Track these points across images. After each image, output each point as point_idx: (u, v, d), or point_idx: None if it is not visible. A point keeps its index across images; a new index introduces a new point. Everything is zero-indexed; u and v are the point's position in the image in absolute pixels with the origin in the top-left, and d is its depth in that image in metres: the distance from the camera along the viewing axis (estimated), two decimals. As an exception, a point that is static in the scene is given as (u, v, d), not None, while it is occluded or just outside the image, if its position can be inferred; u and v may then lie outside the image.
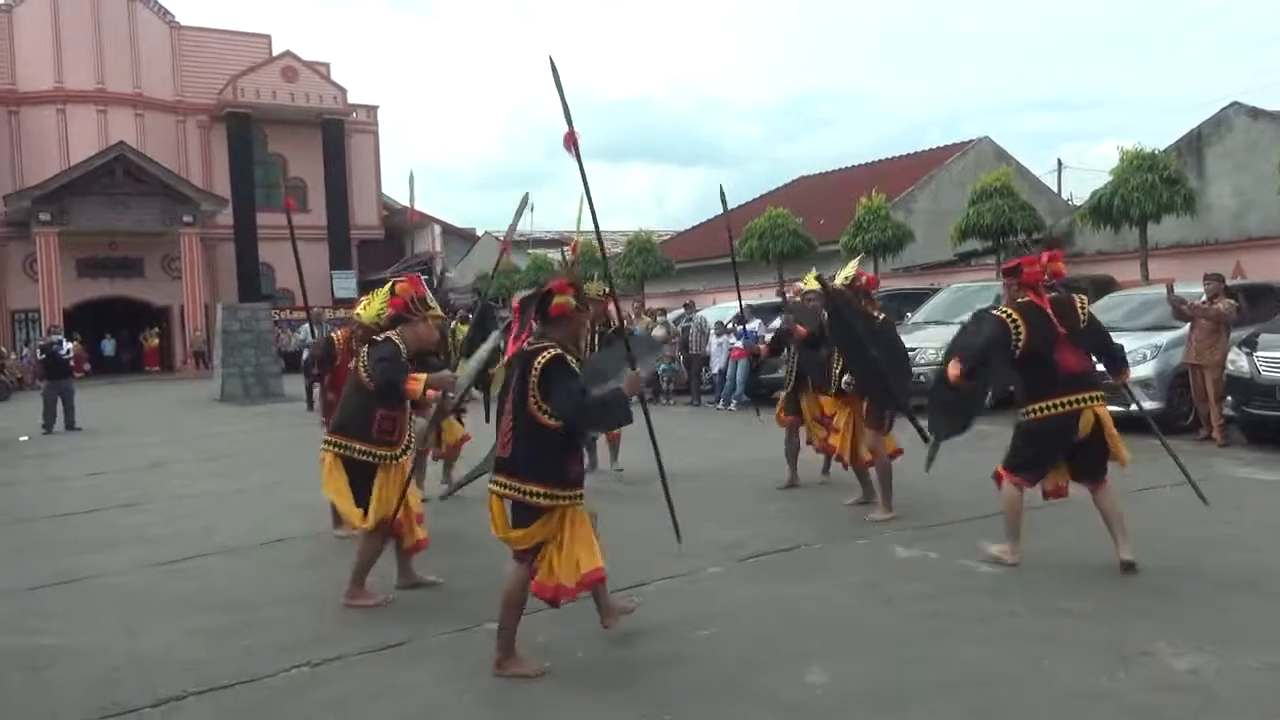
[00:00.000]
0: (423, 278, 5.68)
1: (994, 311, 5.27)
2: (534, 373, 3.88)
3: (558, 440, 3.96)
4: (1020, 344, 5.06)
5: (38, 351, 17.75)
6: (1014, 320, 5.11)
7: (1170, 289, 9.72)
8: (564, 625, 4.70)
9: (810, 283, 7.68)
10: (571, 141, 4.24)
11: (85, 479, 10.27)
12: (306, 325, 18.77)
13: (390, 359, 4.97)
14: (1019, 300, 5.22)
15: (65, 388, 15.50)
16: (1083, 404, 5.09)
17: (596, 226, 4.57)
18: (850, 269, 7.18)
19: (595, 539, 4.11)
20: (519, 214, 6.07)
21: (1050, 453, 5.24)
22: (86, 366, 29.24)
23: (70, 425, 15.25)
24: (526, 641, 4.49)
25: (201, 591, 5.61)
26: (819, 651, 4.21)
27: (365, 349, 5.10)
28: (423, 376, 4.93)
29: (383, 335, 5.14)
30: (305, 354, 17.68)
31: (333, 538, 6.58)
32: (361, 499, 5.04)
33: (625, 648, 4.38)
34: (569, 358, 3.93)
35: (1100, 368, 5.53)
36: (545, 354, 3.88)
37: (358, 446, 5.03)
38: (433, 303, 5.39)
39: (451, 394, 5.28)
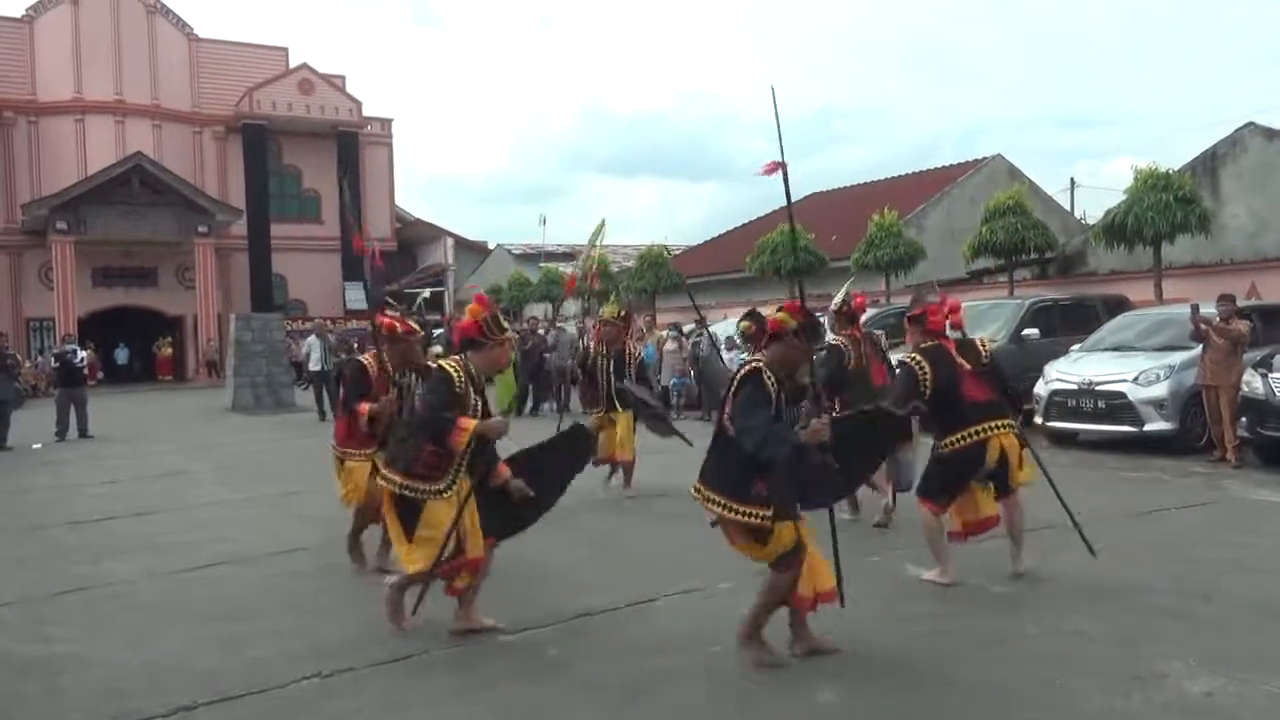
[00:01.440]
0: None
1: (903, 359, 5.66)
2: (733, 382, 4.10)
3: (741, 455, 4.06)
4: (927, 384, 5.42)
5: (52, 359, 17.88)
6: (919, 363, 5.49)
7: (1195, 310, 9.68)
8: (576, 639, 4.70)
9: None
10: (778, 169, 4.58)
11: (98, 487, 10.32)
12: (313, 336, 18.86)
13: (438, 393, 4.57)
14: (923, 345, 5.60)
15: (79, 396, 15.60)
16: (990, 433, 5.39)
17: (793, 229, 4.65)
18: (842, 293, 7.42)
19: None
20: (595, 238, 6.10)
21: (960, 480, 5.52)
22: (100, 375, 29.49)
23: (83, 433, 15.33)
24: (538, 656, 4.50)
25: (213, 601, 5.63)
26: (830, 670, 4.19)
27: (420, 379, 4.87)
28: (471, 425, 4.49)
29: (437, 362, 4.74)
30: (323, 370, 17.70)
31: (343, 549, 6.58)
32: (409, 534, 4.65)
33: (636, 663, 4.37)
34: (768, 377, 4.07)
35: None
36: (747, 364, 4.16)
37: (400, 481, 4.62)
38: (506, 324, 4.94)
39: (501, 438, 4.80)
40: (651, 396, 8.55)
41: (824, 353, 6.51)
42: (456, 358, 4.70)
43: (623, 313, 8.83)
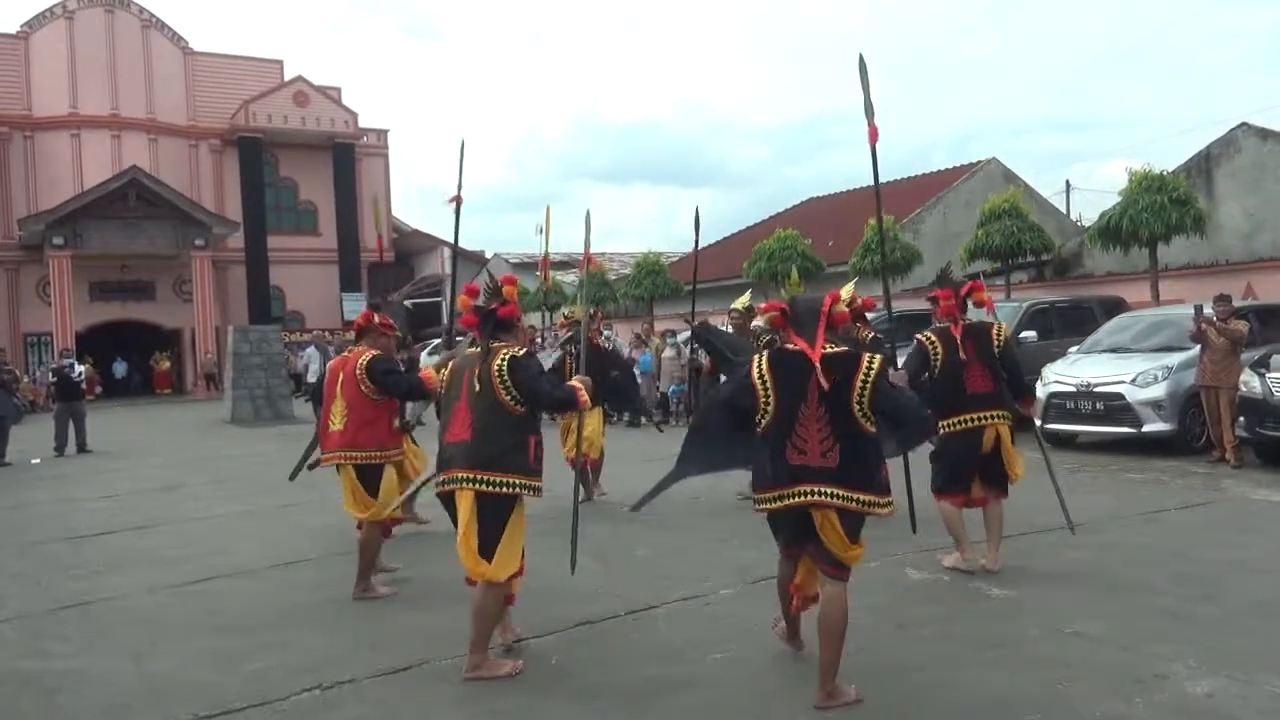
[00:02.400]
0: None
1: (918, 336, 5.85)
2: (866, 375, 3.84)
3: (878, 446, 3.96)
4: (937, 364, 5.64)
5: (50, 374, 17.86)
6: (933, 343, 5.70)
7: (1199, 310, 9.70)
8: (577, 647, 4.69)
9: (742, 304, 8.39)
10: (874, 138, 4.86)
11: (97, 501, 10.30)
12: (311, 348, 18.86)
13: (545, 371, 4.50)
14: (937, 325, 5.82)
15: (77, 410, 15.58)
16: (986, 421, 5.58)
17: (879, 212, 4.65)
18: (847, 291, 7.40)
19: None
20: (587, 232, 6.09)
21: (963, 466, 5.66)
22: (98, 389, 29.47)
23: (82, 447, 15.31)
24: (540, 665, 4.49)
25: (213, 614, 5.61)
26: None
27: (504, 367, 4.27)
28: (580, 386, 4.41)
29: (511, 349, 4.35)
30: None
31: (344, 559, 6.58)
32: (489, 543, 4.29)
33: (638, 671, 4.36)
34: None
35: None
36: (874, 358, 3.91)
37: (511, 480, 4.26)
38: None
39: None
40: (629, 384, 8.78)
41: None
42: (505, 346, 4.37)
43: (591, 311, 8.89)
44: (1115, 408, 10.29)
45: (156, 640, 5.14)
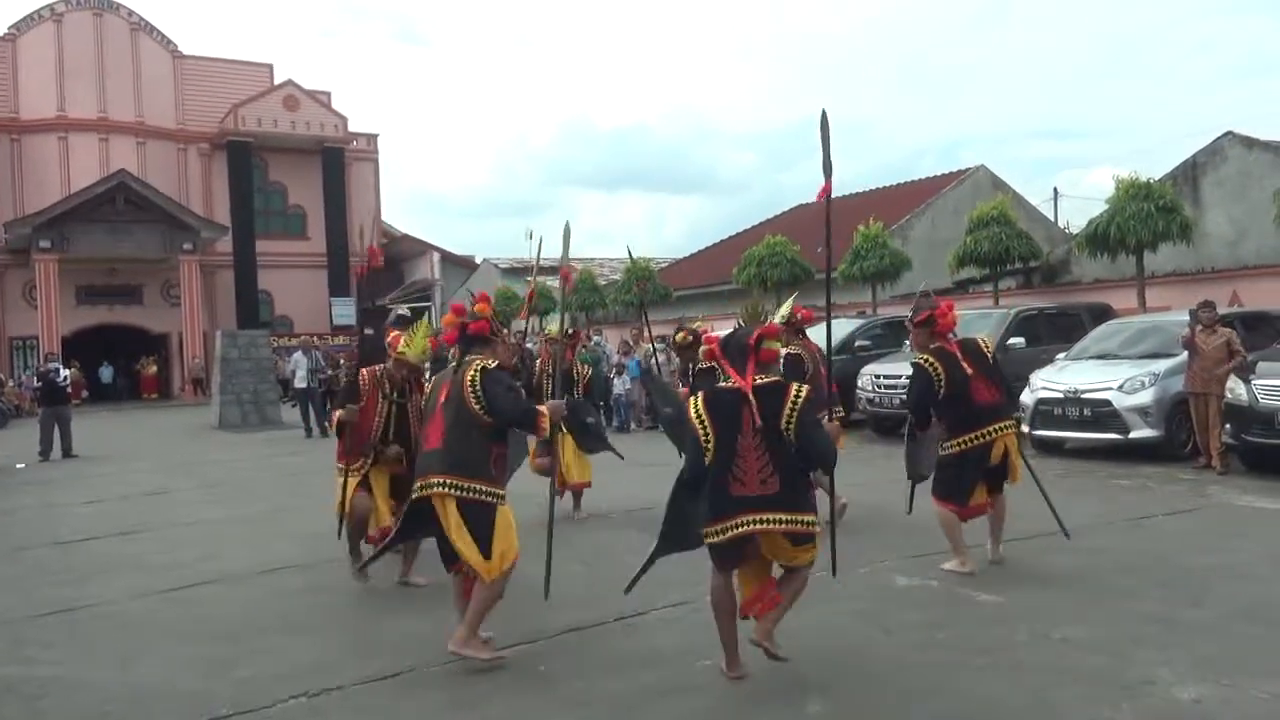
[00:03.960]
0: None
1: (916, 361, 5.85)
2: (795, 405, 4.02)
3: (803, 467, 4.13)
4: (941, 385, 5.68)
5: (35, 378, 17.75)
6: (932, 365, 5.72)
7: (1194, 316, 9.76)
8: (566, 654, 4.68)
9: (682, 339, 8.20)
10: (825, 194, 4.76)
11: (82, 506, 10.23)
12: (299, 353, 18.80)
13: (514, 388, 4.56)
14: (931, 346, 5.82)
15: (62, 415, 15.49)
16: (996, 434, 5.69)
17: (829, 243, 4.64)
18: (786, 307, 7.59)
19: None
20: (566, 243, 6.04)
21: (970, 479, 5.75)
22: (85, 394, 29.29)
23: (67, 452, 15.22)
24: (529, 671, 4.48)
25: (199, 621, 5.58)
26: (820, 682, 4.18)
27: (476, 378, 4.41)
28: (546, 411, 4.50)
29: (484, 361, 4.51)
30: (309, 386, 17.63)
31: (331, 566, 6.55)
32: (482, 544, 4.41)
33: (625, 678, 4.36)
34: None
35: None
36: (800, 389, 4.07)
37: (484, 489, 4.41)
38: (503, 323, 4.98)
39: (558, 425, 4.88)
40: (593, 414, 8.69)
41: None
42: (480, 357, 4.54)
43: (569, 331, 8.73)
44: (1102, 414, 10.33)
45: (142, 647, 5.11)
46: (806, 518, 4.03)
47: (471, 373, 4.45)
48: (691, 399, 4.26)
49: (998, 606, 5.18)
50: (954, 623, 4.94)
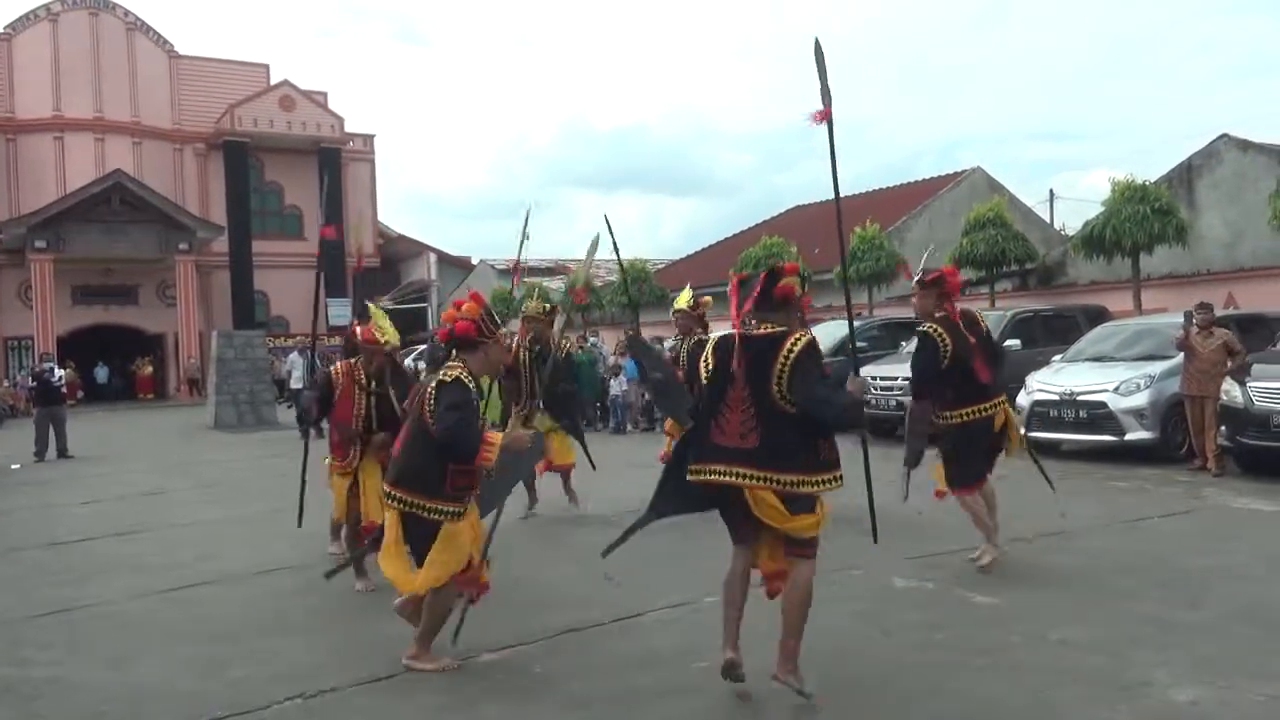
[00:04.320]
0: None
1: (923, 329, 5.71)
2: (786, 357, 3.73)
3: (811, 426, 3.79)
4: (947, 355, 5.55)
5: (30, 379, 17.71)
6: (940, 334, 5.60)
7: (1189, 318, 9.78)
8: (562, 655, 4.68)
9: (682, 301, 8.20)
10: (826, 118, 4.43)
11: (78, 507, 10.20)
12: (294, 354, 18.78)
13: (462, 407, 4.20)
14: (936, 315, 5.69)
15: (58, 415, 15.45)
16: (998, 407, 5.69)
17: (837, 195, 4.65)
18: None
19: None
20: (592, 252, 6.04)
21: (983, 454, 5.71)
22: (80, 394, 29.24)
23: (62, 453, 15.18)
24: (524, 673, 4.47)
25: (195, 621, 5.57)
26: (817, 683, 4.17)
27: (434, 390, 4.28)
28: (497, 440, 4.19)
29: (451, 372, 4.31)
30: (301, 394, 17.58)
31: (327, 567, 6.52)
32: (420, 558, 4.38)
33: (622, 680, 4.35)
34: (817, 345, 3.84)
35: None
36: (802, 337, 3.78)
37: (424, 504, 4.31)
38: (499, 321, 4.69)
39: (522, 457, 4.63)
40: (573, 402, 8.69)
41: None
42: (457, 364, 4.35)
43: (547, 307, 8.64)
44: (1098, 416, 10.35)
45: (138, 647, 5.10)
46: (790, 477, 3.73)
47: (434, 383, 4.32)
48: (710, 343, 4.12)
49: (995, 608, 5.18)
50: (952, 624, 4.94)
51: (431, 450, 4.29)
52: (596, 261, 6.59)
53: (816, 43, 4.60)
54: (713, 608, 5.35)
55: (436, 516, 4.31)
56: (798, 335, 3.81)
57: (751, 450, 3.77)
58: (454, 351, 4.45)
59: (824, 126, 4.47)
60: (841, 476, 3.88)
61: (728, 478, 3.81)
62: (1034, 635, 4.69)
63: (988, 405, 5.63)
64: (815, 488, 3.80)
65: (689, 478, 3.97)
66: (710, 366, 3.96)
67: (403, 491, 4.36)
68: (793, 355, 3.74)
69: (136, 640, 5.24)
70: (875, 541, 4.74)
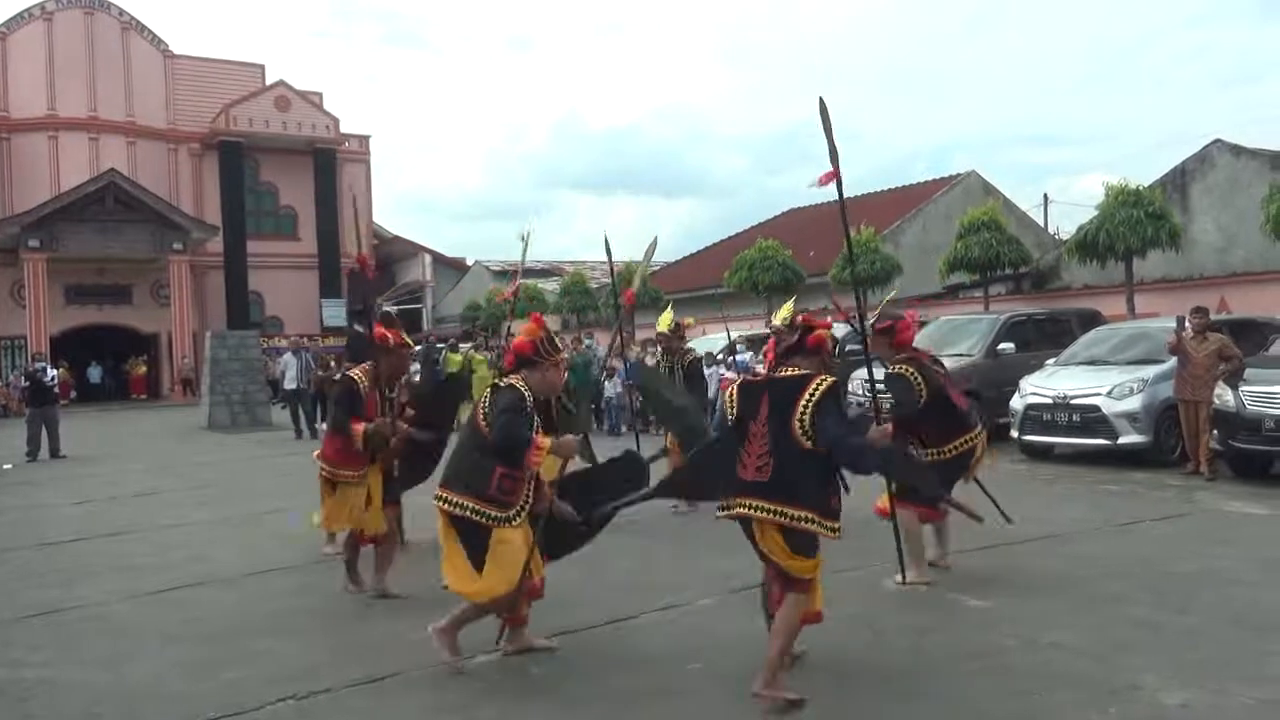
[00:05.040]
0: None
1: (895, 371, 5.74)
2: (810, 397, 3.90)
3: (825, 467, 3.96)
4: (922, 392, 5.59)
5: (23, 378, 17.68)
6: (912, 373, 5.65)
7: (1181, 323, 9.82)
8: (556, 657, 4.68)
9: (664, 324, 8.72)
10: (833, 179, 4.64)
11: (70, 507, 10.18)
12: (289, 354, 18.73)
13: (515, 411, 4.33)
14: (900, 357, 5.76)
15: (50, 415, 15.41)
16: (980, 436, 5.79)
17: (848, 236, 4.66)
18: (785, 310, 7.98)
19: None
20: (649, 256, 6.16)
21: (950, 485, 5.69)
22: (73, 394, 29.15)
23: (55, 453, 15.14)
24: (519, 675, 4.48)
25: (187, 622, 5.56)
26: (808, 686, 4.18)
27: (488, 395, 4.46)
28: (546, 444, 4.33)
29: (506, 381, 4.49)
30: (298, 388, 17.53)
31: (320, 565, 6.54)
32: (476, 564, 4.37)
33: (613, 682, 4.35)
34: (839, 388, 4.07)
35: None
36: (825, 379, 3.97)
37: (472, 506, 4.34)
38: (560, 345, 4.79)
39: (573, 460, 4.72)
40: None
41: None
42: (517, 376, 4.49)
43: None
44: (1091, 419, 10.38)
45: (130, 649, 5.09)
46: (794, 512, 3.87)
47: (490, 388, 4.51)
48: (731, 386, 4.36)
49: (986, 611, 5.20)
50: (943, 627, 4.95)
51: (482, 452, 4.39)
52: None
53: (821, 102, 4.72)
54: (706, 610, 5.38)
55: (484, 520, 4.34)
56: (822, 378, 4.01)
57: (764, 484, 3.95)
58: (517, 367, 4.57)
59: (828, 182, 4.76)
60: (840, 530, 4.00)
61: (744, 509, 3.99)
62: (1025, 639, 4.70)
63: (973, 435, 5.70)
64: (818, 528, 3.93)
65: (717, 514, 4.15)
66: (736, 406, 4.15)
67: (451, 493, 4.41)
68: (816, 396, 3.93)
69: (128, 641, 5.23)
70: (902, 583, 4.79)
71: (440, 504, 4.42)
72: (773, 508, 3.91)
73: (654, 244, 6.21)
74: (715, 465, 4.25)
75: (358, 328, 7.06)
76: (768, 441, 3.96)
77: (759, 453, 3.96)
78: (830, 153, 4.69)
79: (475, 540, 4.35)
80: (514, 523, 4.36)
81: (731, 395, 4.22)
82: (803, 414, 3.91)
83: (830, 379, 4.01)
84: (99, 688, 4.51)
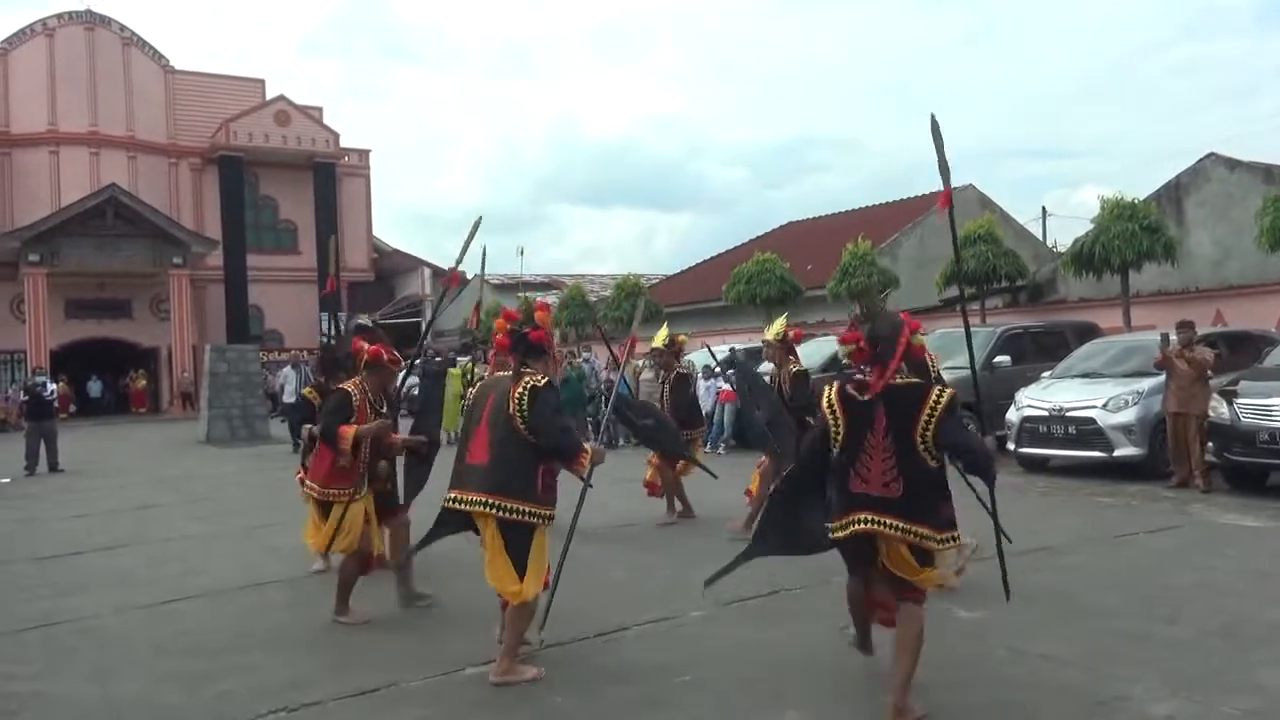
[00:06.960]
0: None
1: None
2: (933, 409, 3.81)
3: (944, 477, 3.92)
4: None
5: (22, 392, 17.68)
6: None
7: (1165, 339, 9.85)
8: (546, 669, 4.68)
9: (659, 340, 9.05)
10: (947, 201, 4.54)
11: (67, 521, 10.18)
12: (288, 368, 18.74)
13: (559, 408, 4.42)
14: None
15: (48, 429, 15.42)
16: None
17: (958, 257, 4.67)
18: (778, 325, 7.93)
19: None
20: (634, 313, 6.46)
21: None
22: (72, 408, 29.16)
23: (53, 467, 15.14)
24: (509, 687, 4.47)
25: (179, 635, 5.56)
26: (798, 698, 4.20)
27: (524, 396, 4.36)
28: (590, 450, 4.43)
29: (537, 378, 4.43)
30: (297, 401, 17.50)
31: (314, 581, 6.54)
32: (519, 567, 4.41)
33: (604, 693, 4.36)
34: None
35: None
36: (945, 390, 3.89)
37: (525, 509, 4.37)
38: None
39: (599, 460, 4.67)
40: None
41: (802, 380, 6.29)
42: (534, 370, 4.47)
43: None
44: (1087, 432, 10.39)
45: (121, 662, 5.09)
46: (924, 531, 3.78)
47: (520, 389, 4.37)
48: (826, 389, 4.12)
49: (975, 622, 5.20)
50: (932, 637, 4.90)
51: (527, 454, 4.38)
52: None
53: (933, 119, 4.59)
54: (696, 623, 5.39)
55: (536, 521, 4.39)
56: (940, 390, 3.92)
57: (897, 500, 3.81)
58: (523, 360, 4.51)
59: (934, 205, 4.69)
60: (958, 538, 3.94)
61: (876, 526, 3.82)
62: (1015, 650, 4.71)
63: None
64: (940, 545, 3.86)
65: (832, 535, 4.02)
66: (839, 416, 3.96)
67: (505, 499, 4.36)
68: (939, 408, 3.82)
69: (119, 655, 5.24)
70: (1007, 599, 4.67)
71: (492, 510, 4.35)
72: (908, 526, 3.78)
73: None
74: (802, 509, 4.15)
75: (326, 340, 7.03)
76: (892, 456, 3.82)
77: (884, 467, 3.82)
78: (941, 171, 4.58)
79: (521, 543, 4.39)
80: (550, 523, 4.46)
81: (832, 404, 3.99)
82: (925, 426, 3.80)
83: (950, 391, 3.92)
84: (89, 701, 4.52)
